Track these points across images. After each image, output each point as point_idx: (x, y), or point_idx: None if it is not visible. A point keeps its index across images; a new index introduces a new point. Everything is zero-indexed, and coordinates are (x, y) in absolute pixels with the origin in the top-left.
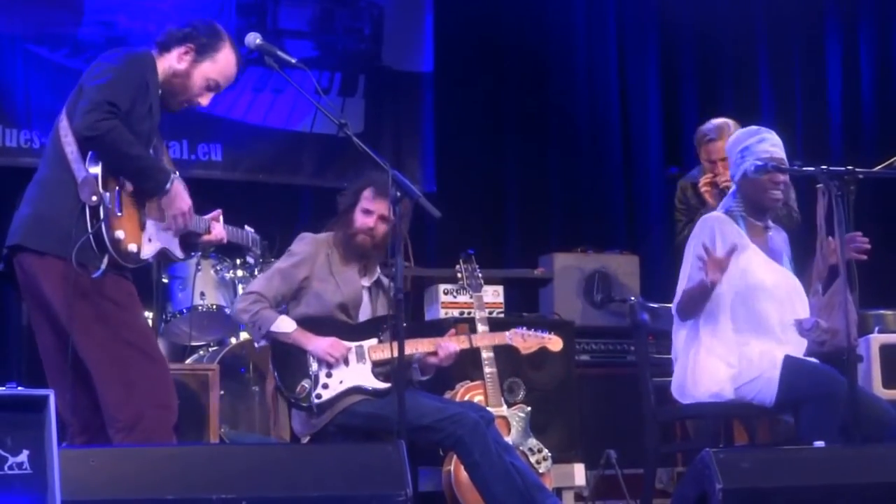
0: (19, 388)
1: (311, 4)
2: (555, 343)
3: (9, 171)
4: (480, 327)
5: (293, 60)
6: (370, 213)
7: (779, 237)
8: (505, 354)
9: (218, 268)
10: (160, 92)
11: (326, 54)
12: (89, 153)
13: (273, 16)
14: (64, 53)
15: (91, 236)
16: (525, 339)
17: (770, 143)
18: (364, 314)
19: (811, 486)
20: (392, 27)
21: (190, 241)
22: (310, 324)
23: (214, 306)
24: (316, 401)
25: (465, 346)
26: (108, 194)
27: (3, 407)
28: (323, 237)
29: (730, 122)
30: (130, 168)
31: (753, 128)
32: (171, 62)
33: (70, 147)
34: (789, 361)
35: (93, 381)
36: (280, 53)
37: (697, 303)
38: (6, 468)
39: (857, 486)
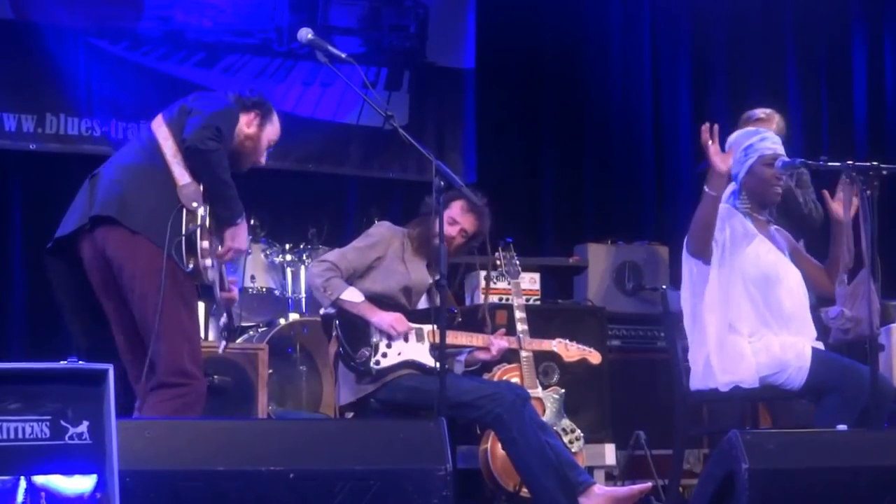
0: (80, 362)
1: (360, 3)
2: (594, 357)
3: (69, 158)
4: (518, 313)
5: (343, 55)
6: (455, 223)
7: (779, 235)
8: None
9: (268, 252)
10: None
11: (373, 50)
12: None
13: (323, 13)
14: (124, 46)
15: (184, 238)
16: (568, 349)
17: (771, 141)
18: (423, 301)
19: (834, 468)
20: (436, 25)
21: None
22: (373, 300)
23: (264, 289)
24: (375, 367)
25: (514, 346)
26: (206, 207)
27: (64, 380)
28: (401, 228)
29: (774, 112)
30: (219, 191)
31: (751, 129)
32: (240, 126)
33: (170, 151)
34: (818, 354)
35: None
36: (330, 48)
37: (707, 223)
38: (67, 438)
39: (879, 469)
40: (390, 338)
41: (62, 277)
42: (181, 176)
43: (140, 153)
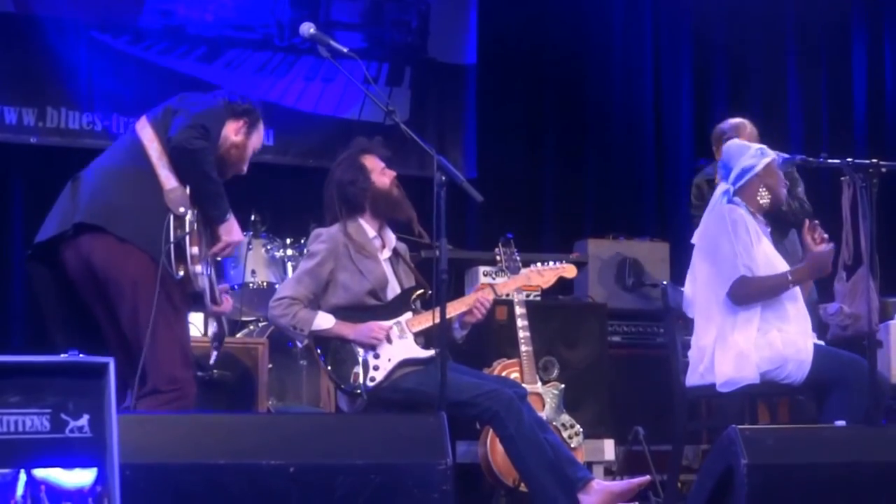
0: (81, 355)
1: None
2: (569, 270)
3: (70, 152)
4: (518, 309)
5: (345, 50)
6: (386, 171)
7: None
8: (540, 335)
9: (268, 247)
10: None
11: (375, 46)
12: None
13: (325, 8)
14: (126, 40)
15: (173, 245)
16: (542, 275)
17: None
18: (391, 290)
19: (833, 464)
20: (438, 21)
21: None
22: (343, 312)
23: (265, 283)
24: (370, 384)
25: (491, 296)
26: (194, 211)
27: (65, 373)
28: (336, 230)
29: (745, 121)
30: (206, 189)
31: (745, 143)
32: (227, 132)
33: (156, 153)
34: (820, 349)
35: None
36: (332, 43)
37: (773, 292)
38: (67, 431)
39: (877, 464)
40: (374, 348)
41: (44, 284)
42: (167, 180)
43: (124, 156)
